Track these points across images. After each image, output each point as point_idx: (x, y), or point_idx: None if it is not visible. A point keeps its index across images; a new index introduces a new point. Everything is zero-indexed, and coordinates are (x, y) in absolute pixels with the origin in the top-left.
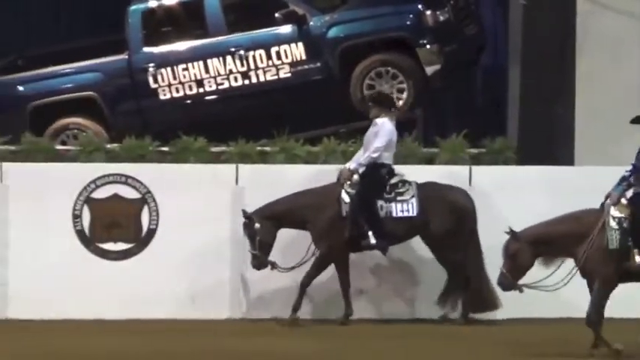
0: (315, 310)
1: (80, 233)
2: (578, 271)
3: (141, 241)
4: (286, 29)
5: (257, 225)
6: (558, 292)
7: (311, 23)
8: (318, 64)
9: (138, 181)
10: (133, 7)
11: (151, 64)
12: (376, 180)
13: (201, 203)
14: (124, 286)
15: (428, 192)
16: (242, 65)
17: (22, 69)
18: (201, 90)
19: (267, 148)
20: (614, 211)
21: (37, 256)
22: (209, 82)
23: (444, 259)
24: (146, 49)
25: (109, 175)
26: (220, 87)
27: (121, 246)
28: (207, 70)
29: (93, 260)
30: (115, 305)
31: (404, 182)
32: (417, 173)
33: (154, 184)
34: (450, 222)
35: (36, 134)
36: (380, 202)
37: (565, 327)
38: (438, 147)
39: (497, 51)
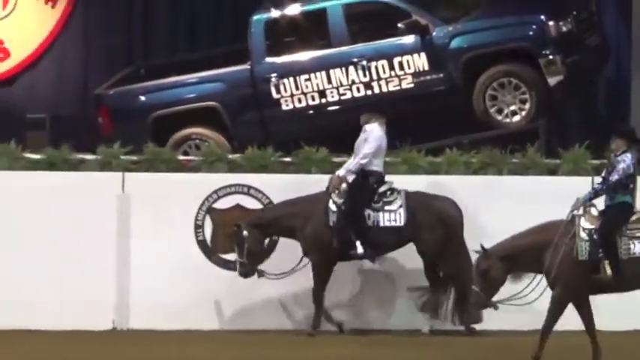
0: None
1: (202, 243)
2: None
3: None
4: (409, 39)
5: (245, 233)
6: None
7: (434, 33)
8: (441, 75)
9: (260, 191)
10: (256, 17)
11: (274, 75)
12: (364, 189)
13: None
14: (244, 297)
15: (416, 201)
16: (364, 76)
17: (144, 79)
18: (323, 100)
19: (389, 159)
20: (585, 222)
21: (159, 266)
22: (331, 92)
23: (430, 270)
24: (269, 59)
25: (231, 186)
26: (343, 97)
27: None
28: (329, 81)
29: (214, 271)
30: (235, 315)
31: (392, 191)
32: (539, 184)
33: (276, 194)
34: (437, 232)
35: (158, 144)
36: (367, 212)
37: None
38: (561, 158)
39: (620, 62)
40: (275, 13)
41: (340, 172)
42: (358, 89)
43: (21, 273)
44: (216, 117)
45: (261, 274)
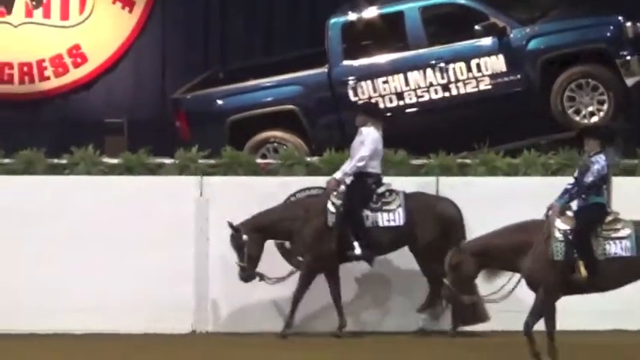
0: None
1: (280, 246)
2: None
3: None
4: (487, 41)
5: (244, 237)
6: None
7: (511, 35)
8: (519, 76)
9: None
10: (333, 20)
11: (351, 77)
12: (362, 190)
13: None
14: (322, 299)
15: (415, 202)
16: (442, 78)
17: (222, 83)
18: (401, 103)
19: (468, 161)
20: (560, 223)
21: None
22: (409, 94)
23: (430, 270)
24: (346, 62)
25: (309, 189)
26: (420, 99)
27: None
28: (407, 83)
29: (295, 274)
30: (310, 318)
31: (391, 192)
32: (616, 185)
33: None
34: (436, 232)
35: (235, 148)
36: (366, 212)
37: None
38: (638, 158)
39: None
40: (352, 16)
41: (337, 175)
42: (436, 91)
43: (98, 277)
44: (294, 120)
45: (261, 277)
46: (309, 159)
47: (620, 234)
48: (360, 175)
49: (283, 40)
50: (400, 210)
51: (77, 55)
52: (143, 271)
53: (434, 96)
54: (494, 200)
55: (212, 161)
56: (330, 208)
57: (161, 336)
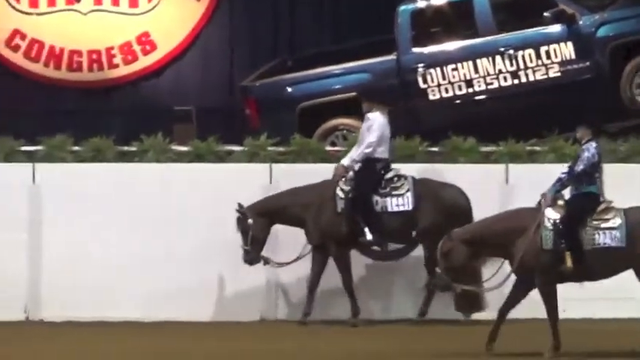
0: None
1: None
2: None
3: (412, 241)
4: (555, 28)
5: (250, 221)
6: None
7: (580, 22)
8: (588, 63)
9: None
10: (402, 7)
11: (420, 65)
12: (371, 176)
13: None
14: (394, 286)
15: (423, 188)
16: (511, 65)
17: (291, 70)
18: (470, 90)
19: (537, 148)
20: (550, 212)
21: (308, 256)
22: (478, 82)
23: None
24: (415, 50)
25: None
26: (490, 87)
27: (394, 246)
28: (476, 70)
29: (361, 259)
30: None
31: (399, 177)
32: None
33: None
34: (441, 218)
35: (304, 135)
36: (375, 198)
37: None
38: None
39: None
40: (421, 4)
41: (345, 162)
42: (505, 78)
43: (167, 264)
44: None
45: (266, 261)
46: None
47: (610, 224)
48: (368, 161)
49: (352, 27)
50: (409, 194)
51: (146, 42)
52: (211, 259)
53: (503, 83)
54: None
55: (281, 149)
56: (339, 194)
57: (228, 324)
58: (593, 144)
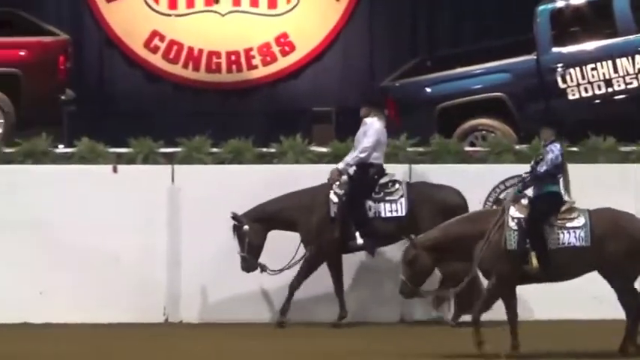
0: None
1: None
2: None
3: None
4: None
5: (246, 227)
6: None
7: None
8: None
9: None
10: (542, 7)
11: (560, 64)
12: (365, 180)
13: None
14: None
15: (418, 192)
16: None
17: (430, 70)
18: (609, 90)
19: None
20: (514, 212)
21: None
22: (618, 81)
23: None
24: (555, 49)
25: (518, 177)
26: (629, 86)
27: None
28: (615, 70)
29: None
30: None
31: (394, 182)
32: None
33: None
34: (440, 220)
35: (444, 135)
36: (369, 203)
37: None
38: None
39: None
40: (560, 3)
41: (339, 166)
42: None
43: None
44: (502, 108)
45: (263, 268)
46: (517, 147)
47: (575, 223)
48: (363, 166)
49: (492, 27)
50: (403, 200)
51: (285, 43)
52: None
53: None
54: None
55: (420, 149)
56: (333, 198)
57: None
58: (557, 145)
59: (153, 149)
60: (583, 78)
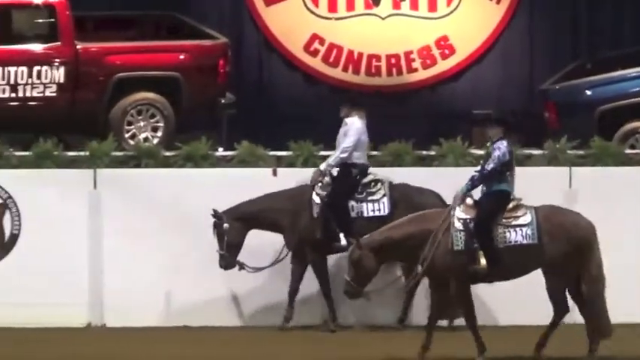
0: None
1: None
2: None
3: None
4: None
5: (226, 225)
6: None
7: None
8: None
9: None
10: None
11: None
12: (347, 181)
13: None
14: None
15: (400, 193)
16: None
17: (590, 73)
18: None
19: None
20: (460, 212)
21: None
22: None
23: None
24: None
25: None
26: None
27: None
28: None
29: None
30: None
31: (376, 182)
32: None
33: None
34: None
35: (604, 138)
36: (351, 203)
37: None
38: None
39: None
40: None
41: (321, 166)
42: None
43: None
44: None
45: (241, 266)
46: None
47: (521, 221)
48: (345, 166)
49: None
50: (385, 200)
51: (445, 46)
52: None
53: None
54: None
55: (581, 152)
56: (315, 199)
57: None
58: (504, 142)
59: (313, 152)
60: None
